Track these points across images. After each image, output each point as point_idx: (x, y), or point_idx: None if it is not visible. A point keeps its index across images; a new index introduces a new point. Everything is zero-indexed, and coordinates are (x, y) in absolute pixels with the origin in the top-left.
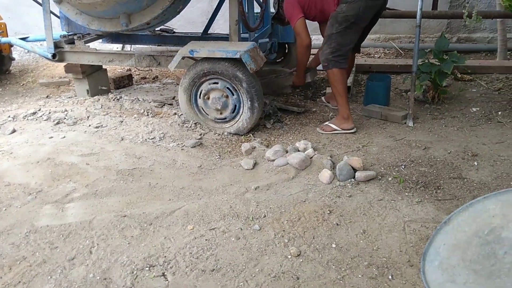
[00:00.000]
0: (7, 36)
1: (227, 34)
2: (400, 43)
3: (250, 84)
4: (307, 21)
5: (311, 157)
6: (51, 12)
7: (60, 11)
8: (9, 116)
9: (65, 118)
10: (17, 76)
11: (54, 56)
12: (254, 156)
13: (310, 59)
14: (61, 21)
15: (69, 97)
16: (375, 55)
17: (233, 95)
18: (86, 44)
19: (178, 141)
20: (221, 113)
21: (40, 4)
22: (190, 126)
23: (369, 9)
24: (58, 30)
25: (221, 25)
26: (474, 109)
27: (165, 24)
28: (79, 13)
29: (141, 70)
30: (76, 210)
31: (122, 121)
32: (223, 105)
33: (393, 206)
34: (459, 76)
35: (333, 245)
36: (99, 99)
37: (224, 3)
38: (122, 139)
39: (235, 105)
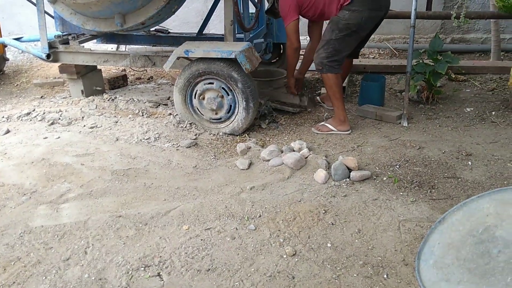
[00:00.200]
0: (1, 37)
1: (222, 35)
2: (395, 43)
3: (245, 84)
4: (300, 23)
5: (306, 157)
6: (46, 12)
7: (55, 11)
8: (3, 117)
9: (59, 119)
10: (11, 77)
11: (48, 56)
12: (249, 156)
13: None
14: (56, 21)
15: (64, 98)
16: (370, 56)
17: (228, 95)
18: (81, 44)
19: (173, 141)
20: (216, 113)
21: (34, 4)
22: (185, 126)
23: (371, 19)
24: (53, 30)
25: (216, 26)
26: (468, 109)
27: (160, 24)
28: (74, 13)
29: (136, 71)
30: (71, 210)
31: (117, 122)
32: (218, 105)
33: (388, 206)
34: (453, 76)
35: (329, 245)
36: (93, 100)
37: (219, 4)
38: (117, 140)
39: (230, 105)
